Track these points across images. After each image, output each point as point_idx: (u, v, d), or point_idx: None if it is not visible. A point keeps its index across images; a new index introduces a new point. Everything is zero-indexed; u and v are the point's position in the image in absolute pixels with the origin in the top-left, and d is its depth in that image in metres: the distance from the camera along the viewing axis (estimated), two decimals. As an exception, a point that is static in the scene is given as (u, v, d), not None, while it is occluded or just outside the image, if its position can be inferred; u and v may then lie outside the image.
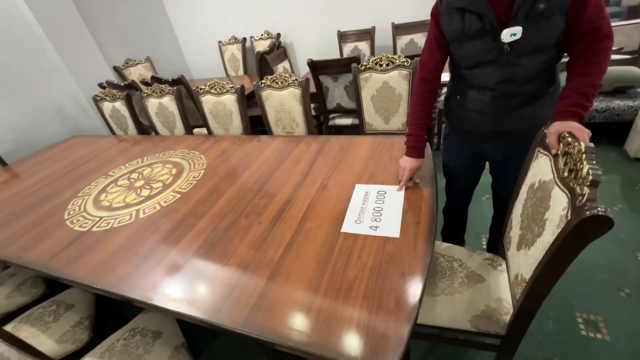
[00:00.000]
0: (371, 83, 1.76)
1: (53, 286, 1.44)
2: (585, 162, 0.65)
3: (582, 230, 0.59)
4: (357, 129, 2.00)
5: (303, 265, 0.85)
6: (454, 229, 1.48)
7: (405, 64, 1.65)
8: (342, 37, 2.97)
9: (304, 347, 0.66)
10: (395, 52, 2.82)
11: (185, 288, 0.86)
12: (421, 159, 1.08)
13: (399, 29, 2.75)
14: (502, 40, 0.87)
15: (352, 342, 0.65)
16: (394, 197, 1.03)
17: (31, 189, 1.64)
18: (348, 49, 2.97)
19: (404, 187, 1.07)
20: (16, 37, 2.42)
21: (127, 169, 1.63)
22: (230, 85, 1.91)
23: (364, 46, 2.90)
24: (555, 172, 0.76)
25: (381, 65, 1.71)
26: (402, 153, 1.12)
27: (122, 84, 2.44)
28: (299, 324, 0.70)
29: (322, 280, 0.79)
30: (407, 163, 1.06)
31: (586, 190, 0.61)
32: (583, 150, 0.67)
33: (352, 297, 0.74)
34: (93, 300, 1.29)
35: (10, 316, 1.30)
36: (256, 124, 2.19)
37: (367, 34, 2.86)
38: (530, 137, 0.91)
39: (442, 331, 0.98)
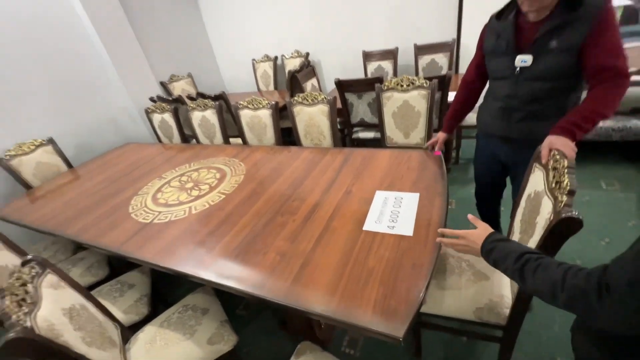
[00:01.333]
0: (393, 101, 1.94)
1: (115, 269, 1.69)
2: (566, 176, 0.80)
3: (559, 229, 0.74)
4: (379, 142, 2.18)
5: (330, 255, 1.03)
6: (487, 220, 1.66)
7: (425, 85, 1.82)
8: (367, 56, 3.18)
9: (330, 314, 0.83)
10: (416, 71, 2.98)
11: (234, 270, 1.06)
12: (450, 134, 1.51)
13: (420, 50, 2.93)
14: (514, 64, 1.08)
15: (368, 313, 0.81)
16: (410, 203, 1.20)
17: (96, 187, 1.93)
18: (372, 67, 3.17)
19: (417, 194, 1.23)
20: (83, 56, 2.81)
21: (177, 173, 1.88)
22: (266, 102, 2.15)
23: (387, 65, 3.09)
24: (546, 184, 0.90)
25: (402, 86, 1.89)
26: (419, 165, 1.32)
27: (170, 98, 2.76)
28: (326, 299, 0.88)
29: (346, 268, 0.97)
30: (440, 134, 1.48)
31: (565, 198, 0.76)
32: (566, 165, 0.82)
33: (370, 282, 0.91)
34: (149, 282, 1.52)
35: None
36: (286, 135, 2.41)
37: (391, 54, 3.06)
38: (533, 149, 1.05)
39: (449, 322, 1.12)
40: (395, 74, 3.06)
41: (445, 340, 1.42)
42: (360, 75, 3.30)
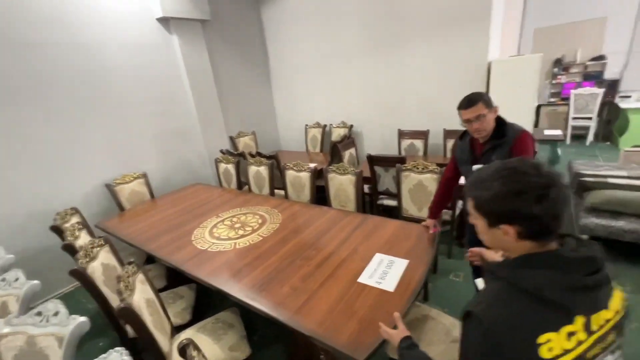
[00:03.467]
0: (410, 180, 2.33)
1: (170, 282, 2.17)
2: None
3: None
4: (398, 210, 2.52)
5: (328, 295, 1.38)
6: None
7: (436, 170, 2.20)
8: (402, 134, 3.66)
9: (318, 337, 1.17)
10: (444, 152, 3.36)
11: (257, 294, 1.45)
12: (435, 220, 1.82)
13: (449, 134, 3.33)
14: (472, 170, 1.51)
15: (344, 340, 1.14)
16: (399, 266, 1.52)
17: (170, 217, 2.52)
18: (405, 144, 3.62)
19: (407, 261, 1.55)
20: (178, 109, 3.68)
21: (230, 214, 2.41)
22: (307, 167, 2.68)
23: (418, 143, 3.52)
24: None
25: (418, 169, 2.28)
26: (416, 237, 1.73)
27: (235, 153, 3.46)
28: (316, 325, 1.22)
29: (337, 306, 1.31)
30: (429, 220, 1.82)
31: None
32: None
33: (352, 319, 1.23)
34: (194, 296, 1.96)
35: (144, 296, 2.03)
36: (321, 190, 2.83)
37: (422, 134, 3.50)
38: None
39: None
40: (425, 152, 3.46)
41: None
42: (395, 148, 3.77)
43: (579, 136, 5.27)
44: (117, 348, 1.05)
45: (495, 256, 1.02)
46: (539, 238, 0.67)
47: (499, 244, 0.74)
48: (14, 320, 1.12)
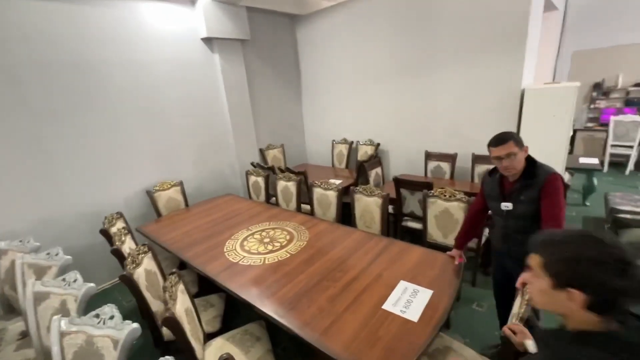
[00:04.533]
0: (436, 206, 2.36)
1: (201, 289, 2.30)
2: (524, 307, 1.13)
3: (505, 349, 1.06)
4: (422, 234, 2.54)
5: (354, 320, 1.44)
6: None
7: (463, 199, 2.22)
8: (429, 155, 3.67)
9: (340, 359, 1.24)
10: (472, 176, 3.34)
11: (286, 312, 1.54)
12: (461, 250, 1.85)
13: (477, 159, 3.31)
14: (501, 207, 1.55)
15: (369, 366, 1.20)
16: (423, 296, 1.56)
17: (204, 226, 2.69)
18: (432, 165, 3.63)
19: (431, 291, 1.58)
20: (216, 122, 3.91)
21: (260, 228, 2.53)
22: (334, 186, 2.76)
23: (445, 166, 3.52)
24: (519, 309, 1.22)
25: (445, 196, 2.31)
26: (441, 267, 1.76)
27: (265, 166, 3.61)
28: (341, 349, 1.29)
29: (362, 332, 1.37)
30: (455, 251, 1.86)
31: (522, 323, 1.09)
32: (527, 299, 1.15)
33: (376, 346, 1.29)
34: (223, 305, 2.08)
35: (178, 301, 2.17)
36: (346, 207, 2.89)
37: (450, 157, 3.50)
38: (522, 262, 1.46)
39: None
40: (452, 175, 3.45)
41: None
42: (420, 169, 3.78)
43: (617, 164, 5.03)
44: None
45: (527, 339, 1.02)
46: (605, 312, 0.65)
47: (558, 307, 0.72)
48: (76, 320, 1.27)
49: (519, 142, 1.48)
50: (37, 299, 1.58)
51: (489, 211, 1.78)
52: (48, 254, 1.94)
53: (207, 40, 3.66)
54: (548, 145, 2.85)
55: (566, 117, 2.75)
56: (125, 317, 1.28)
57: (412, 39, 3.63)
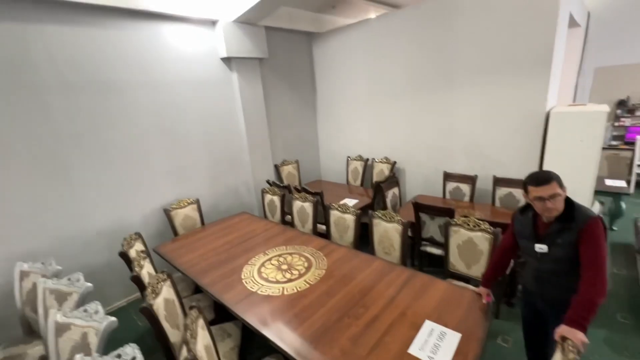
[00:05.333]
0: (459, 235, 2.28)
1: (219, 314, 2.27)
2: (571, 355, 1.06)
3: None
4: (443, 261, 2.45)
5: (379, 365, 1.38)
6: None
7: (489, 230, 2.14)
8: (447, 176, 3.59)
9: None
10: (493, 200, 3.24)
11: (307, 352, 1.49)
12: (488, 289, 1.78)
13: (499, 182, 3.22)
14: (535, 249, 1.48)
15: None
16: (451, 340, 1.48)
17: (221, 248, 2.67)
18: (450, 186, 3.55)
19: (459, 334, 1.51)
20: (232, 140, 3.93)
21: (276, 252, 2.50)
22: (352, 209, 2.72)
23: (465, 188, 3.43)
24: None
25: (469, 225, 2.23)
26: (468, 305, 1.70)
27: (281, 185, 3.60)
28: (370, 400, 1.23)
29: (389, 380, 1.31)
30: (482, 288, 1.79)
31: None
32: (571, 358, 1.08)
33: (405, 398, 1.23)
34: (240, 334, 2.04)
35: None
36: (364, 228, 2.78)
37: (470, 179, 3.41)
38: (556, 305, 1.46)
39: None
40: (472, 198, 3.36)
41: None
42: (438, 189, 3.70)
43: (645, 184, 4.83)
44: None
45: None
46: None
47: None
48: (98, 359, 1.26)
49: (561, 183, 1.41)
50: (58, 329, 1.58)
51: (519, 248, 1.71)
52: (69, 279, 1.95)
53: (226, 60, 3.70)
54: (575, 171, 2.74)
55: (594, 142, 2.65)
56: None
57: (431, 57, 3.59)
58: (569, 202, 1.43)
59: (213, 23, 3.52)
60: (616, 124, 5.27)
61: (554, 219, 1.44)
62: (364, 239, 2.70)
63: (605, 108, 2.70)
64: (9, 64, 2.38)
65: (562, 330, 1.23)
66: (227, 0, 3.36)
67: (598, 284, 1.28)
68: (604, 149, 5.14)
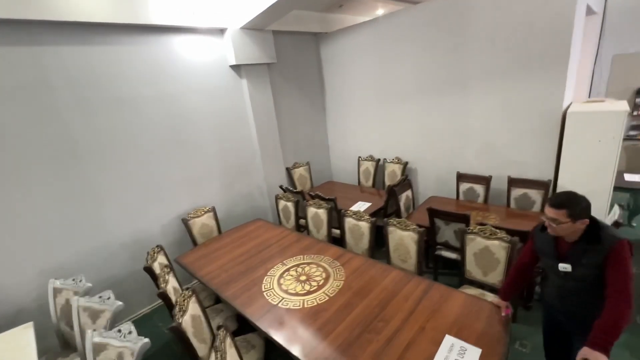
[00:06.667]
0: (475, 243, 2.29)
1: (241, 324, 2.35)
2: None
3: None
4: (458, 265, 2.47)
5: (402, 383, 1.43)
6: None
7: (505, 239, 2.15)
8: (461, 177, 3.57)
9: None
10: (508, 201, 3.22)
11: (333, 369, 1.55)
12: (507, 302, 1.79)
13: (513, 182, 3.19)
14: (558, 268, 1.48)
15: None
16: (472, 356, 1.52)
17: (239, 258, 2.74)
18: (464, 187, 3.53)
19: (480, 350, 1.54)
20: (243, 146, 3.97)
21: (294, 262, 2.55)
22: (367, 217, 2.74)
23: (479, 188, 3.41)
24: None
25: (485, 233, 2.24)
26: (487, 319, 1.72)
27: (294, 191, 3.64)
28: (395, 420, 1.28)
29: (412, 399, 1.36)
30: (500, 301, 1.82)
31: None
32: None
33: (429, 418, 1.28)
34: (264, 346, 2.12)
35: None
36: (379, 232, 2.80)
37: (484, 180, 3.38)
38: (580, 322, 1.49)
39: None
40: (486, 199, 3.35)
41: None
42: (451, 190, 3.69)
43: (665, 176, 4.69)
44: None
45: None
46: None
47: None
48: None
49: (574, 215, 1.37)
50: (95, 349, 1.67)
51: (537, 263, 1.71)
52: (100, 297, 2.05)
53: (236, 67, 3.71)
54: (593, 171, 2.69)
55: (613, 143, 2.60)
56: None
57: (442, 55, 3.53)
58: (594, 223, 1.42)
59: (221, 31, 3.52)
60: (635, 113, 5.10)
61: (579, 238, 1.43)
62: (378, 242, 2.73)
63: (625, 106, 2.63)
64: (28, 87, 2.45)
65: (585, 352, 1.26)
66: (235, 8, 3.35)
67: (623, 308, 1.29)
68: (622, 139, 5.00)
